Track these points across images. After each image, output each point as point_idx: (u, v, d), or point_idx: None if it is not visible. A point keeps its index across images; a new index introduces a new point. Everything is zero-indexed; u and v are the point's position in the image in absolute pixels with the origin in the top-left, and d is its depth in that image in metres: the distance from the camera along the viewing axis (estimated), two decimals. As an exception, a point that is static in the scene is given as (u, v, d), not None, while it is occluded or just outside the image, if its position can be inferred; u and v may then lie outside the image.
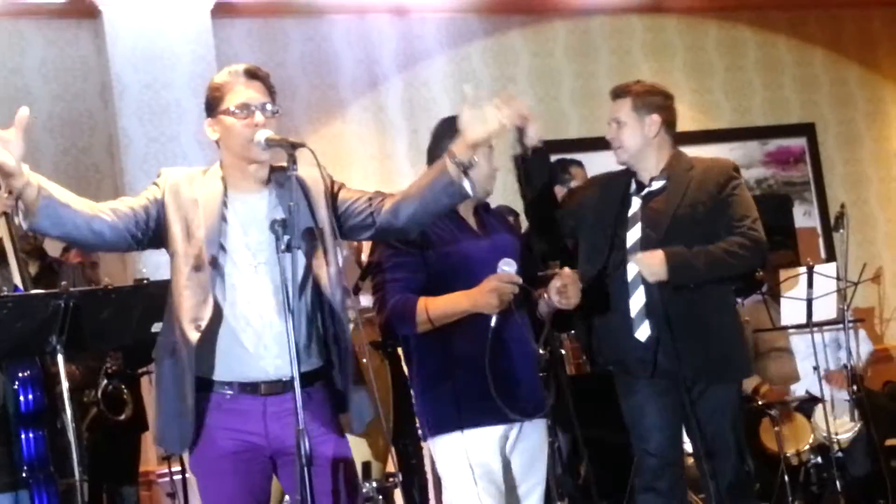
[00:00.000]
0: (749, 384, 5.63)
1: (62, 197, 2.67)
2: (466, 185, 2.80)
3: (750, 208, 3.67)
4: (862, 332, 6.03)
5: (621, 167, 3.84)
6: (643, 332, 3.62)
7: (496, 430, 3.26)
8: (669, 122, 3.74)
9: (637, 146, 3.70)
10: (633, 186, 3.73)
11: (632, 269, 3.63)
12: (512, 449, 3.32)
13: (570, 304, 3.27)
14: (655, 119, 3.70)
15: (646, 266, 3.55)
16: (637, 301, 3.63)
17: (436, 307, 3.21)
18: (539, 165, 3.77)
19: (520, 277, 3.15)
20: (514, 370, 3.26)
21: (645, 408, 3.67)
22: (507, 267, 3.15)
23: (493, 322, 3.15)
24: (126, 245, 2.86)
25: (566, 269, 3.31)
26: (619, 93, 3.76)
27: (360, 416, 2.94)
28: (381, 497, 4.29)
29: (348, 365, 2.90)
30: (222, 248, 2.84)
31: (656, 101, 3.74)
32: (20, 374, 3.95)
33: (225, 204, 2.86)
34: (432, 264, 3.27)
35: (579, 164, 5.39)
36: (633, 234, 3.67)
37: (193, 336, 2.78)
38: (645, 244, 3.63)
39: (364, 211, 2.92)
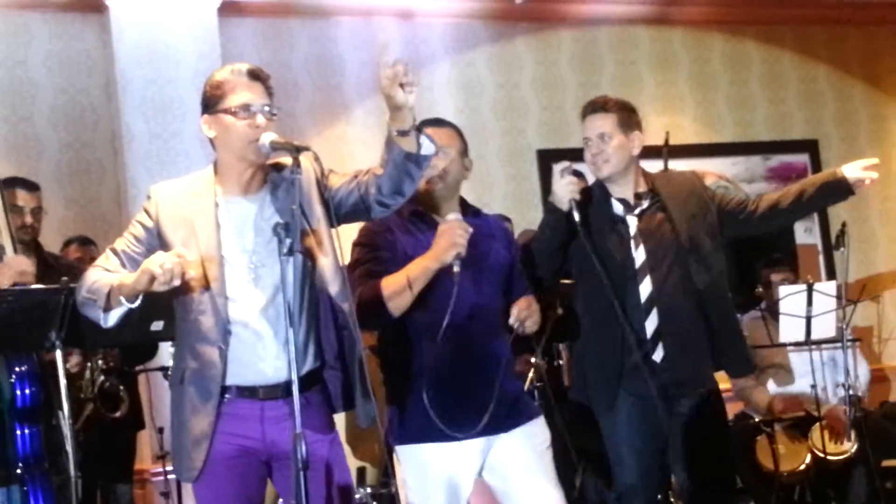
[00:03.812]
0: (762, 400, 5.61)
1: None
2: (426, 147, 2.79)
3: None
4: (858, 353, 6.02)
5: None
6: (658, 353, 3.59)
7: (470, 444, 3.23)
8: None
9: (624, 163, 3.65)
10: (619, 206, 3.67)
11: (644, 290, 3.60)
12: (498, 458, 3.28)
13: (530, 331, 3.31)
14: (640, 136, 3.68)
15: None
16: (651, 322, 3.59)
17: (398, 276, 3.18)
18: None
19: (467, 225, 3.15)
20: (482, 381, 3.24)
21: (630, 433, 3.62)
22: (452, 215, 3.19)
23: (455, 268, 3.12)
24: None
25: (522, 299, 3.31)
26: (599, 107, 3.67)
27: (367, 410, 2.93)
28: (375, 502, 4.28)
29: (355, 356, 2.89)
30: (221, 256, 2.84)
31: (636, 118, 3.71)
32: (17, 369, 3.95)
33: (217, 206, 2.86)
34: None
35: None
36: (640, 254, 3.63)
37: (217, 361, 2.80)
38: (654, 262, 3.60)
39: (354, 193, 2.90)
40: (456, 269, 3.13)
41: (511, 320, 3.27)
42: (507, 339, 3.35)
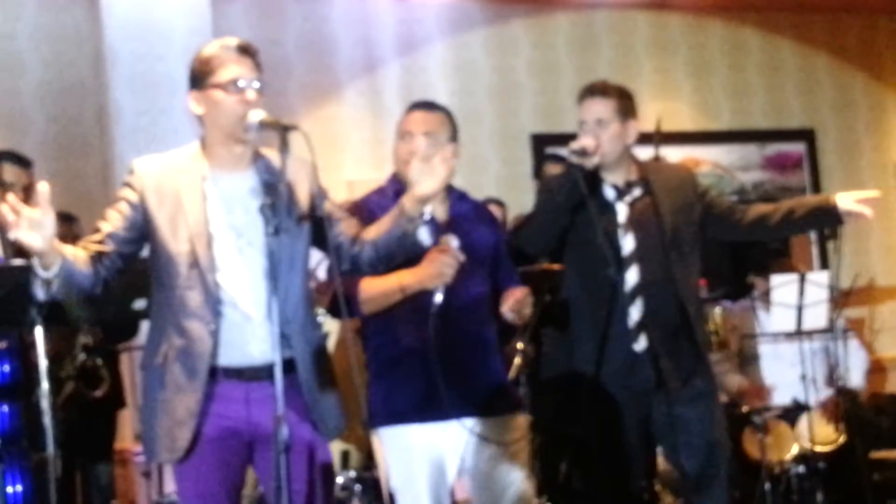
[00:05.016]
0: (732, 385, 5.61)
1: (77, 264, 2.69)
2: (421, 235, 2.87)
3: None
4: (856, 342, 6.00)
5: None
6: (640, 344, 3.54)
7: (453, 425, 3.19)
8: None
9: (619, 150, 3.60)
10: (612, 192, 3.63)
11: (630, 279, 3.54)
12: (476, 446, 3.24)
13: (521, 322, 3.30)
14: (635, 124, 3.63)
15: None
16: (635, 311, 3.54)
17: (377, 284, 3.18)
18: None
19: (461, 253, 3.12)
20: (468, 365, 3.22)
21: (627, 431, 3.57)
22: (448, 238, 3.15)
23: (437, 298, 3.11)
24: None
25: (518, 289, 3.28)
26: (598, 92, 3.61)
27: (324, 421, 2.87)
28: (358, 486, 4.25)
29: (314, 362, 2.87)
30: (209, 232, 2.79)
31: (633, 105, 3.66)
32: (-4, 345, 3.91)
33: (205, 180, 2.83)
34: None
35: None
36: (629, 242, 3.58)
37: (206, 337, 2.75)
38: (642, 251, 3.55)
39: (342, 236, 2.92)
40: (437, 299, 3.11)
41: (505, 311, 3.24)
42: (494, 324, 3.32)
